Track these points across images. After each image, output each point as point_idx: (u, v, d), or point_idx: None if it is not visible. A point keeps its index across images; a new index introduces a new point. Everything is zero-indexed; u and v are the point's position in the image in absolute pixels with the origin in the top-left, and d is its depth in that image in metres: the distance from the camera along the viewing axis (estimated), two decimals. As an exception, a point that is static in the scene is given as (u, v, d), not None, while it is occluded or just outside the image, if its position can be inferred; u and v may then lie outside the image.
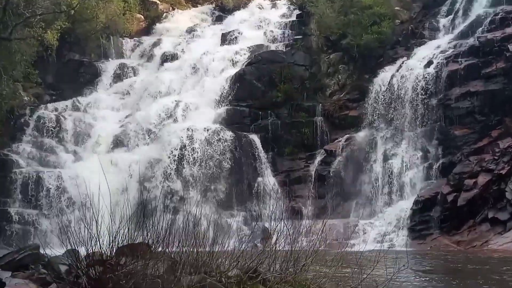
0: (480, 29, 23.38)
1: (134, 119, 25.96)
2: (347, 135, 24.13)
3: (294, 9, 34.02)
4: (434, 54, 23.86)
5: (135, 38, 33.14)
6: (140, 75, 29.56)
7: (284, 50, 28.54)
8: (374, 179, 22.65)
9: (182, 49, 30.93)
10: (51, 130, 25.29)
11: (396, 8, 28.12)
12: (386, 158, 22.76)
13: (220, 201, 22.92)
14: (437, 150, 22.05)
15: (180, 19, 35.77)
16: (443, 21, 26.30)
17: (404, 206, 21.19)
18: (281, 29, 31.53)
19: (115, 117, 26.71)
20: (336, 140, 24.35)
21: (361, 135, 23.83)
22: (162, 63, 29.78)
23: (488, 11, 23.91)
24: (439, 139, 22.14)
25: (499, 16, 23.20)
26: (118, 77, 29.32)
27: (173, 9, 37.18)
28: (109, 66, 29.79)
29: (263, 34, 30.97)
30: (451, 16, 26.11)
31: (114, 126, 25.97)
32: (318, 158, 24.34)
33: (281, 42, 30.07)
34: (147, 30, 34.74)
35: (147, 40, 32.94)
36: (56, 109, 26.71)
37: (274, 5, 36.41)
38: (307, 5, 29.57)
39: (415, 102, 23.02)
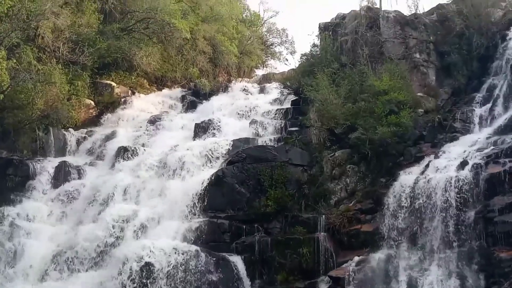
0: (527, 121, 24.22)
1: (76, 235, 25.89)
2: (359, 257, 24.08)
3: (289, 93, 34.96)
4: (469, 152, 24.38)
5: (82, 130, 33.73)
6: (87, 177, 29.82)
7: (275, 145, 29.11)
8: (397, 316, 22.46)
9: (143, 144, 31.44)
10: (-33, 250, 25.15)
11: (419, 94, 28.91)
12: (411, 287, 22.65)
13: None
14: (477, 278, 21.97)
15: (141, 106, 36.64)
16: (479, 111, 27.09)
17: None
18: (272, 118, 32.25)
19: (52, 232, 26.65)
20: (345, 264, 24.26)
21: (377, 257, 23.79)
22: (116, 162, 30.15)
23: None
24: (480, 263, 22.14)
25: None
26: (58, 180, 29.52)
27: (133, 93, 38.14)
28: (47, 166, 30.06)
29: (249, 125, 31.62)
30: (489, 105, 26.92)
31: (51, 245, 25.84)
32: (322, 288, 24.19)
33: (271, 135, 30.62)
34: (98, 120, 35.42)
35: (98, 132, 33.51)
36: (-27, 222, 26.66)
37: (262, 89, 37.53)
38: (305, 89, 30.29)
39: (447, 214, 23.17)
